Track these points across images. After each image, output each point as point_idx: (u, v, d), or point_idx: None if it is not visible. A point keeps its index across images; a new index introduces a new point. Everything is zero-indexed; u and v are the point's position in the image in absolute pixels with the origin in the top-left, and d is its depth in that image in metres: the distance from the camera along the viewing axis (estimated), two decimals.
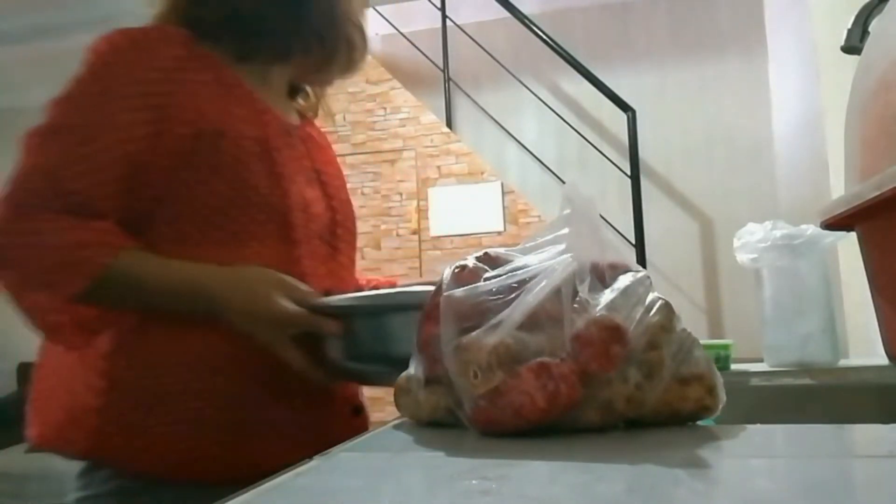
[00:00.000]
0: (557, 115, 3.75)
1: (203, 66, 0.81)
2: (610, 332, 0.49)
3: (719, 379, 0.53)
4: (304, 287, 0.78)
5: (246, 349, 0.76)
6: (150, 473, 0.75)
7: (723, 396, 0.53)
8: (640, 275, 0.55)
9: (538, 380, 0.48)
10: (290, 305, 0.75)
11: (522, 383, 0.48)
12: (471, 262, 0.57)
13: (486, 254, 0.58)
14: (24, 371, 4.41)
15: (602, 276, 0.54)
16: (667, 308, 0.53)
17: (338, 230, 0.92)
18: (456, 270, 0.57)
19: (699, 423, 0.53)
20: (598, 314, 0.50)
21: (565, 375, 0.48)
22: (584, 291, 0.52)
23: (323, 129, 1.03)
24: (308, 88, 1.00)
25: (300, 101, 1.00)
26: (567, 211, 0.57)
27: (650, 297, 0.53)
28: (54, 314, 0.74)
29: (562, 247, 0.55)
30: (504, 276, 0.53)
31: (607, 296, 0.52)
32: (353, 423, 0.89)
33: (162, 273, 0.75)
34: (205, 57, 0.81)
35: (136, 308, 0.77)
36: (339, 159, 1.02)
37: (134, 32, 0.79)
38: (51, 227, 0.72)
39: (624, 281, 0.54)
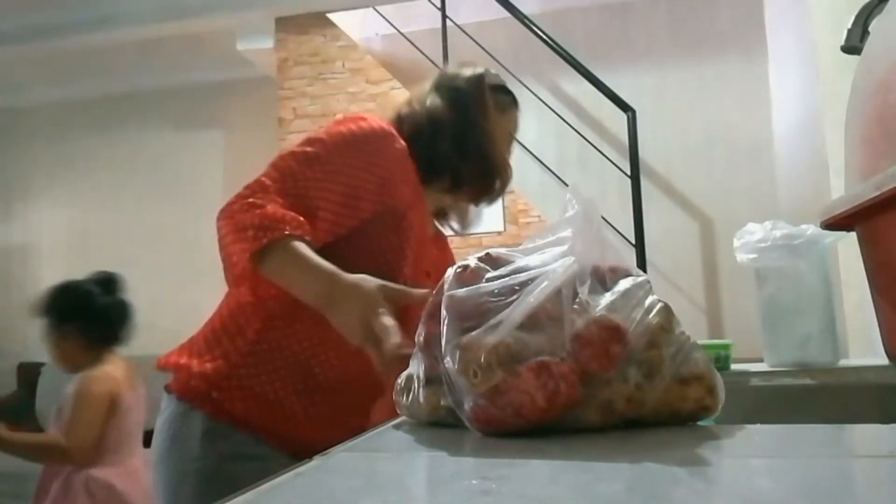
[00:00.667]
0: (557, 115, 3.75)
1: (406, 169, 1.09)
2: (610, 332, 0.49)
3: (719, 379, 0.53)
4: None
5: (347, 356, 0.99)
6: (233, 421, 1.01)
7: (722, 396, 0.53)
8: (640, 278, 0.55)
9: (538, 379, 0.48)
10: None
11: (522, 382, 0.48)
12: (473, 262, 0.57)
13: (487, 254, 0.58)
14: (24, 371, 4.40)
15: (603, 278, 0.54)
16: (666, 310, 0.53)
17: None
18: (458, 271, 0.57)
19: (699, 423, 0.53)
20: (598, 315, 0.50)
21: (565, 375, 0.48)
22: (584, 293, 0.52)
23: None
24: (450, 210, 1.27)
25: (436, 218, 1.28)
26: (569, 213, 0.57)
27: (650, 299, 0.53)
28: (240, 260, 0.93)
29: (563, 248, 0.55)
30: (506, 278, 0.53)
31: (607, 298, 0.52)
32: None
33: (313, 263, 0.92)
34: (411, 166, 1.10)
35: (285, 282, 0.95)
36: None
37: (388, 129, 1.08)
38: (269, 202, 0.94)
39: (624, 284, 0.54)
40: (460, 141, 1.13)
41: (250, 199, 0.95)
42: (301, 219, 0.94)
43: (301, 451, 0.92)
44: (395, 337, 0.79)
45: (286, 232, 0.91)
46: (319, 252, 0.94)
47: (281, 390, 1.03)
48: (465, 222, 1.29)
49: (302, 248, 0.92)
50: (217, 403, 1.01)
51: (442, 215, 1.28)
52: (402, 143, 1.09)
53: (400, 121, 1.13)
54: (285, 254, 0.91)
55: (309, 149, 1.01)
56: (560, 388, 0.48)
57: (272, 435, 1.02)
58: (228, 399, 1.02)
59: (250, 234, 0.91)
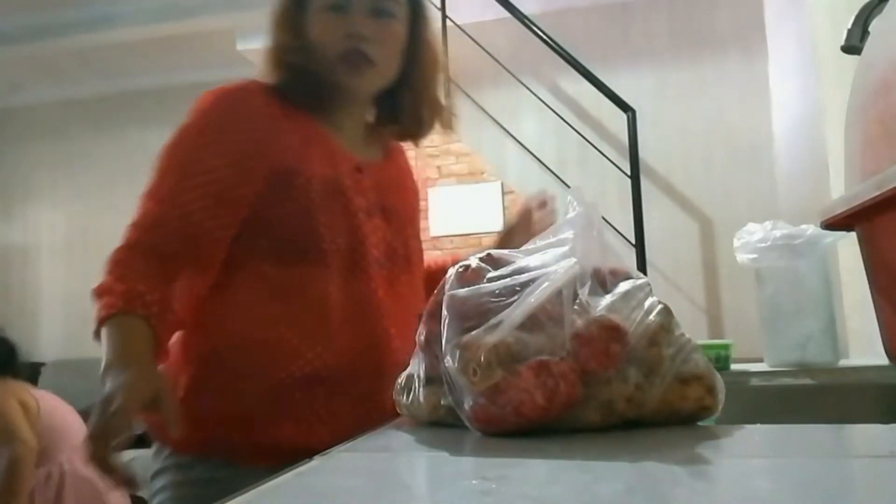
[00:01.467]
0: (557, 115, 3.75)
1: (284, 115, 0.97)
2: (609, 332, 0.49)
3: (719, 380, 0.53)
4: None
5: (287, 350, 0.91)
6: (197, 452, 0.93)
7: (722, 397, 0.53)
8: (640, 281, 0.55)
9: (538, 378, 0.48)
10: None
11: (522, 381, 0.48)
12: (474, 262, 0.57)
13: (489, 254, 0.58)
14: (25, 371, 4.40)
15: (603, 280, 0.54)
16: (666, 311, 0.53)
17: (397, 259, 1.02)
18: (459, 270, 0.57)
19: (699, 423, 0.53)
20: (598, 315, 0.50)
21: (565, 374, 0.48)
22: (584, 294, 0.52)
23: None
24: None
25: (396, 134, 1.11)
26: (570, 215, 0.57)
27: (649, 301, 0.53)
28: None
29: (564, 250, 0.55)
30: (507, 278, 0.53)
31: (607, 299, 0.52)
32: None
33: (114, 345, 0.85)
34: (287, 108, 0.98)
35: None
36: None
37: (234, 91, 0.97)
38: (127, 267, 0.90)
39: (624, 286, 0.54)
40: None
41: (113, 264, 0.90)
42: (146, 296, 0.86)
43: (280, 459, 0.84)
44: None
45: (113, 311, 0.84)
46: (249, 247, 0.92)
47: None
48: (417, 118, 1.07)
49: (117, 329, 0.85)
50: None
51: (384, 123, 1.10)
52: (256, 90, 0.97)
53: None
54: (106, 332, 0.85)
55: (155, 182, 0.94)
56: (560, 387, 0.48)
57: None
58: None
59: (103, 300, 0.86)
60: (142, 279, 0.88)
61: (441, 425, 0.57)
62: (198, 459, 0.93)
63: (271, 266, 0.94)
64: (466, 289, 0.54)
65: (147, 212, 0.93)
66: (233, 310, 0.94)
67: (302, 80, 0.99)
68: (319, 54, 0.98)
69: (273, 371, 0.91)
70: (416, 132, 1.09)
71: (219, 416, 0.91)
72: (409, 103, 1.05)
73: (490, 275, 0.55)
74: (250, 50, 4.04)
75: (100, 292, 0.87)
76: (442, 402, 0.56)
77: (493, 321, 0.51)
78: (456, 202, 3.78)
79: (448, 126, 1.11)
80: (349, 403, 0.93)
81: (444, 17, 3.88)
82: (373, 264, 0.97)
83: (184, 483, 0.93)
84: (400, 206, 1.07)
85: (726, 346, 1.30)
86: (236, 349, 0.93)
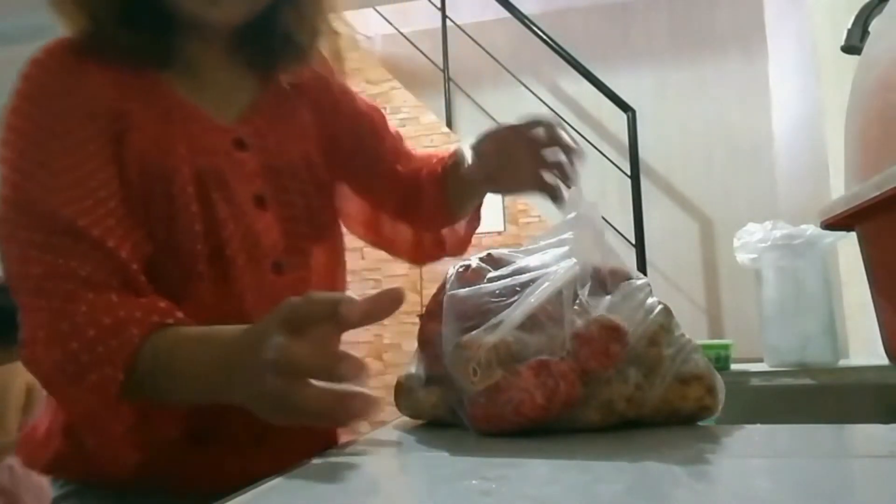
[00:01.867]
0: (557, 115, 3.75)
1: (116, 81, 0.70)
2: (609, 331, 0.49)
3: (719, 380, 0.53)
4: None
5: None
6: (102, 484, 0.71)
7: (722, 397, 0.53)
8: (640, 281, 0.55)
9: (537, 377, 0.48)
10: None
11: (522, 381, 0.48)
12: (474, 262, 0.57)
13: (489, 254, 0.58)
14: None
15: (603, 281, 0.55)
16: (666, 312, 0.53)
17: (299, 243, 0.78)
18: (459, 270, 0.57)
19: (699, 423, 0.53)
20: (597, 314, 0.50)
21: (564, 373, 0.48)
22: (584, 295, 0.52)
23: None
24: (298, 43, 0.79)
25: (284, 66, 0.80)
26: (571, 215, 0.57)
27: (650, 301, 0.53)
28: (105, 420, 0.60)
29: (565, 250, 0.55)
30: (507, 278, 0.53)
31: (607, 300, 0.52)
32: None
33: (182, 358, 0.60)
34: (117, 71, 0.70)
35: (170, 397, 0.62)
36: None
37: (32, 69, 0.71)
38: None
39: (625, 287, 0.54)
40: None
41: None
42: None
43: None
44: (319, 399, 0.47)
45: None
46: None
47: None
48: (293, 41, 0.78)
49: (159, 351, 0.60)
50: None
51: (259, 56, 0.79)
52: (63, 50, 0.70)
53: None
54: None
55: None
56: (559, 387, 0.48)
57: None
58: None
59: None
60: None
61: (441, 425, 0.57)
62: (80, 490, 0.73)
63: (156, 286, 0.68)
64: (466, 289, 0.54)
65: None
66: None
67: (128, 22, 0.69)
68: None
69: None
70: (290, 59, 0.79)
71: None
72: (286, 23, 0.76)
73: (490, 275, 0.55)
74: None
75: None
76: (442, 402, 0.56)
77: (493, 321, 0.51)
78: None
79: (337, 56, 0.84)
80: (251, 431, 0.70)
81: (444, 17, 3.88)
82: (264, 270, 0.74)
83: None
84: (292, 165, 0.79)
85: (726, 346, 1.30)
86: None
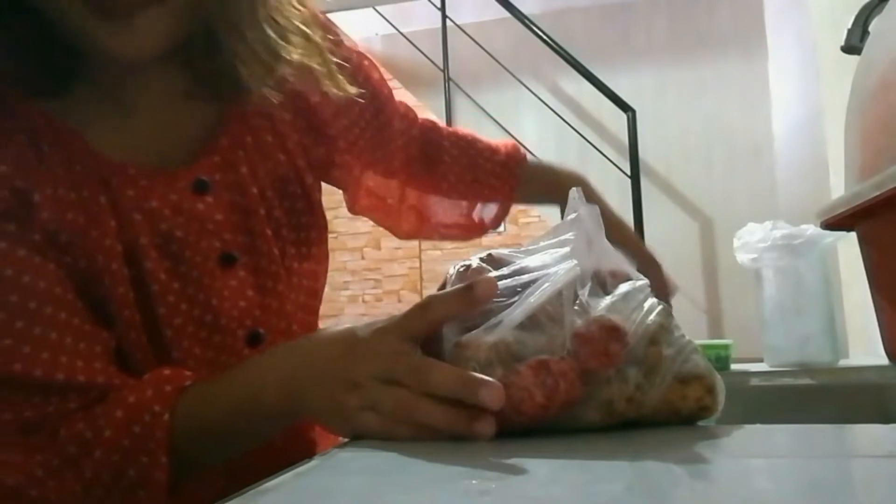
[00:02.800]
0: (557, 115, 3.75)
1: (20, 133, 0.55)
2: (609, 331, 0.49)
3: (719, 380, 0.53)
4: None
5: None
6: None
7: (722, 398, 0.53)
8: (640, 282, 0.55)
9: (537, 376, 0.48)
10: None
11: (521, 379, 0.48)
12: (475, 262, 0.57)
13: (489, 255, 0.58)
14: None
15: (603, 282, 0.55)
16: (666, 312, 0.53)
17: (274, 302, 0.67)
18: (460, 270, 0.57)
19: (699, 423, 0.53)
20: (597, 314, 0.50)
21: (564, 372, 0.48)
22: (584, 295, 0.52)
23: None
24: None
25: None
26: (572, 216, 0.57)
27: (649, 302, 0.54)
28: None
29: (565, 251, 0.55)
30: (508, 279, 0.53)
31: (607, 300, 0.52)
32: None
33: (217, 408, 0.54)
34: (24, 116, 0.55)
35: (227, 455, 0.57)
36: None
37: None
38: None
39: (624, 287, 0.54)
40: None
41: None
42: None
43: None
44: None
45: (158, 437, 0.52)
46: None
47: None
48: (249, 59, 0.59)
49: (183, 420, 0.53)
50: None
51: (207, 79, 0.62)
52: None
53: None
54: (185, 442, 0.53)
55: None
56: (559, 386, 0.48)
57: None
58: None
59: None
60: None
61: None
62: None
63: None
64: None
65: None
66: None
67: (30, 50, 0.53)
68: None
69: None
70: (229, 87, 0.62)
71: None
72: (232, 50, 0.59)
73: (490, 275, 0.55)
74: None
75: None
76: None
77: (492, 321, 0.51)
78: None
79: (271, 60, 0.61)
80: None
81: (444, 17, 3.88)
82: (217, 342, 0.63)
83: None
84: (291, 171, 0.69)
85: (726, 346, 1.30)
86: None
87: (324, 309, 0.84)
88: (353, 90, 0.69)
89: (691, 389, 0.51)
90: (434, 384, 0.47)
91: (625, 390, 0.50)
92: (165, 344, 0.60)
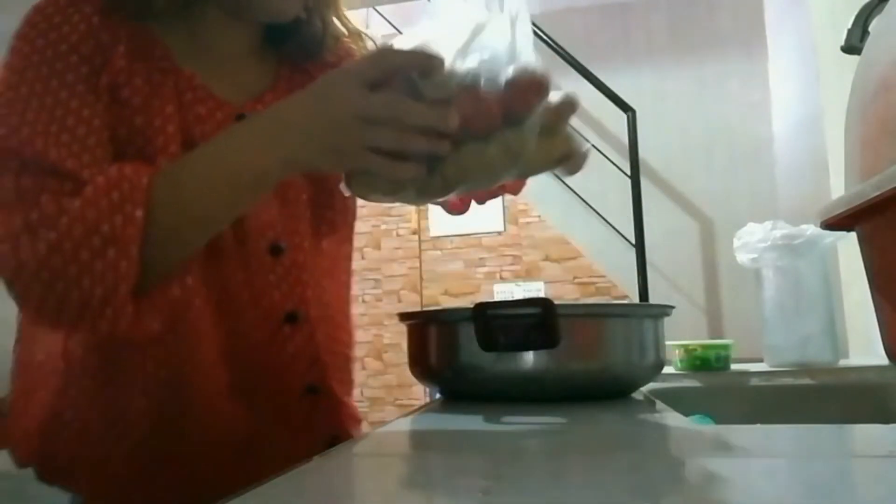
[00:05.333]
0: None
1: (115, 38, 0.67)
2: (536, 83, 0.56)
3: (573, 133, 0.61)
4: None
5: (186, 369, 0.68)
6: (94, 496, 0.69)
7: (582, 147, 0.61)
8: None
9: (477, 101, 0.55)
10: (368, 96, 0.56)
11: (462, 104, 0.55)
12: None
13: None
14: None
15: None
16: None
17: (299, 225, 0.76)
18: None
19: (699, 424, 0.53)
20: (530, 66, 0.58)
21: (490, 104, 0.55)
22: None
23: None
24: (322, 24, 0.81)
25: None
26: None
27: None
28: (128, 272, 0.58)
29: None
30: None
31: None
32: (305, 404, 0.76)
33: (199, 171, 0.61)
34: (121, 27, 0.68)
35: (197, 240, 0.63)
36: None
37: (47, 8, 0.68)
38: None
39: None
40: None
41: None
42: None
43: None
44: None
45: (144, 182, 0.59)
46: None
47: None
48: (313, 32, 0.79)
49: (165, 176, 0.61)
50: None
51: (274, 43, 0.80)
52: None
53: None
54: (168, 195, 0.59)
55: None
56: (492, 110, 0.55)
57: None
58: None
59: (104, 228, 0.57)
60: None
61: (441, 424, 0.57)
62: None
63: None
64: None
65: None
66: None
67: None
68: None
69: None
70: (311, 49, 0.80)
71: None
72: (311, 22, 0.79)
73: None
74: None
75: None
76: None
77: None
78: None
79: (357, 37, 0.85)
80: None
81: None
82: (260, 253, 0.73)
83: None
84: None
85: (726, 346, 1.30)
86: None
87: None
88: None
89: (557, 142, 0.60)
90: (414, 116, 0.55)
91: (519, 138, 0.56)
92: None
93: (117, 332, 0.59)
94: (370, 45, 0.87)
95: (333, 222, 0.81)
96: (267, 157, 0.59)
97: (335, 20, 0.82)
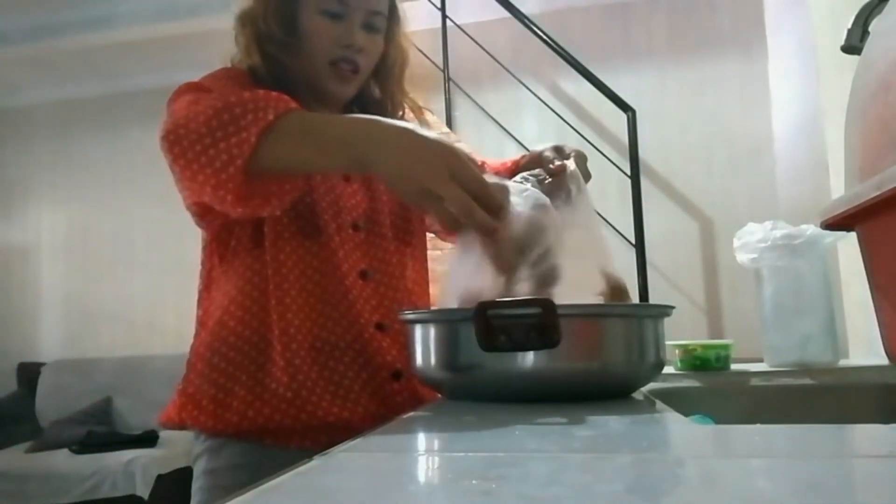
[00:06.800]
0: (557, 115, 3.74)
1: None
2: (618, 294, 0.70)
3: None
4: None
5: (296, 318, 0.94)
6: (223, 434, 0.93)
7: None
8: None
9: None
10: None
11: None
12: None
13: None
14: (24, 371, 4.40)
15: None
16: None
17: (378, 217, 1.04)
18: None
19: (699, 424, 0.53)
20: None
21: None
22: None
23: None
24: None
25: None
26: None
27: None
28: (240, 153, 0.79)
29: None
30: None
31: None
32: (395, 386, 0.98)
33: (326, 120, 0.84)
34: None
35: (302, 165, 0.84)
36: None
37: (224, 70, 1.06)
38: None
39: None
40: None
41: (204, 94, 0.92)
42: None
43: (318, 439, 0.91)
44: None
45: (291, 105, 0.81)
46: None
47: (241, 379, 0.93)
48: (383, 110, 1.12)
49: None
50: (196, 419, 0.94)
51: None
52: (241, 72, 1.04)
53: (252, 71, 1.05)
54: (302, 125, 0.81)
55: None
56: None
57: (263, 433, 0.92)
58: (198, 411, 0.93)
59: (249, 117, 0.79)
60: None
61: (441, 425, 0.57)
62: (227, 443, 0.93)
63: (248, 249, 0.97)
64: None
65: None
66: (227, 283, 0.97)
67: (279, 74, 1.01)
68: (307, 55, 1.01)
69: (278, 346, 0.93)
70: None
71: (242, 396, 0.92)
72: (377, 97, 1.11)
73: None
74: None
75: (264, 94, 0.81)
76: None
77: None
78: None
79: (418, 112, 1.19)
80: (364, 372, 0.96)
81: (444, 17, 3.88)
82: (347, 228, 1.00)
83: (214, 471, 0.94)
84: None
85: (726, 346, 1.30)
86: (225, 326, 0.95)
87: None
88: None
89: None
90: (484, 192, 0.72)
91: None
92: (314, 214, 0.98)
93: (229, 187, 0.79)
94: (430, 118, 1.14)
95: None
96: (355, 148, 0.77)
97: (398, 93, 1.13)
